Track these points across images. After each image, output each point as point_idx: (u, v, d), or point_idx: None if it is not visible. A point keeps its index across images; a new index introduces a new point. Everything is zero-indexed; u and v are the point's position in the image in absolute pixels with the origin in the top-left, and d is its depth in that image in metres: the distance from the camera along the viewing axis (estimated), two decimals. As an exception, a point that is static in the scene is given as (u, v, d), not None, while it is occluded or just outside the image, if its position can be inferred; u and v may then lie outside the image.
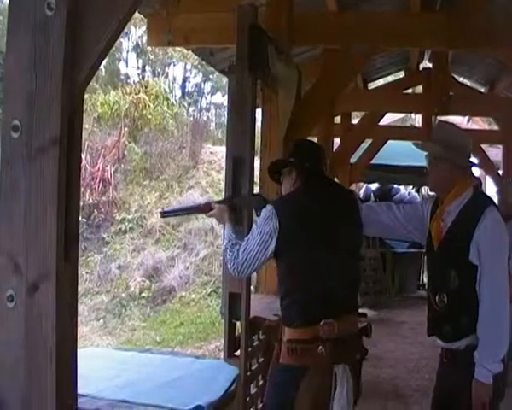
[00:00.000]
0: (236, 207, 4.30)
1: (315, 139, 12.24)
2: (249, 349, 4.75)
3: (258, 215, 4.07)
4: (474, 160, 4.93)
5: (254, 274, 5.67)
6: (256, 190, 5.32)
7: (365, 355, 4.06)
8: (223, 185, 5.48)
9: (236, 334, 4.66)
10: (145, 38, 6.99)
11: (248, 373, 4.69)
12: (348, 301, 3.91)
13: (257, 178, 5.73)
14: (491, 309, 3.74)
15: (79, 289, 11.69)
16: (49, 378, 2.04)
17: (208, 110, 37.98)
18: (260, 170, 6.08)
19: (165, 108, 22.85)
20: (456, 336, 3.93)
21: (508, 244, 4.01)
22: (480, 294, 3.78)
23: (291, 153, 4.10)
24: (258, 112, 5.90)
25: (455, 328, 3.93)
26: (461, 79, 13.37)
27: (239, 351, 4.61)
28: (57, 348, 2.05)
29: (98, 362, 3.76)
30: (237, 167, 4.52)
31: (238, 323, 4.64)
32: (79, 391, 2.28)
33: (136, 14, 7.54)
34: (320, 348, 3.62)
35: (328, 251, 3.77)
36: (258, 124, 6.03)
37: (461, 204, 3.95)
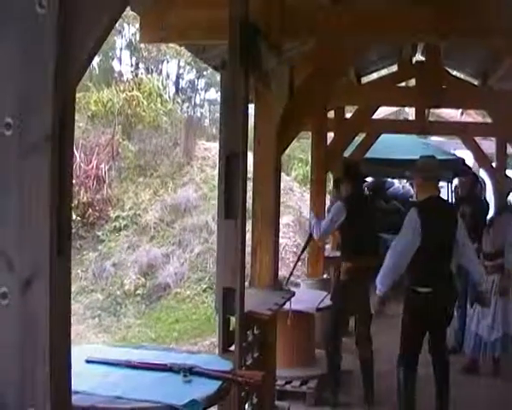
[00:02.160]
0: None
1: (309, 133, 12.31)
2: (244, 344, 4.77)
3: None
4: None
5: (248, 269, 5.71)
6: (249, 185, 5.33)
7: None
8: (217, 181, 5.51)
9: (231, 329, 4.68)
10: (138, 36, 7.00)
11: (243, 368, 4.71)
12: (371, 248, 7.64)
13: (250, 174, 5.75)
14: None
15: (74, 287, 11.68)
16: (43, 375, 2.04)
17: (202, 106, 38.07)
18: (254, 165, 6.10)
19: (159, 105, 22.87)
20: None
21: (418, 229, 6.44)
22: None
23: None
24: (251, 107, 5.92)
25: None
26: (454, 72, 13.40)
27: (233, 346, 4.64)
28: (51, 345, 2.05)
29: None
30: (230, 164, 4.54)
31: (232, 318, 4.66)
32: (74, 388, 2.29)
33: (130, 12, 7.55)
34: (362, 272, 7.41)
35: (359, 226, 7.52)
36: (252, 119, 6.04)
37: None
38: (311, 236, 8.80)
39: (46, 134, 2.04)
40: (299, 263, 11.01)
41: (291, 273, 9.74)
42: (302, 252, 9.98)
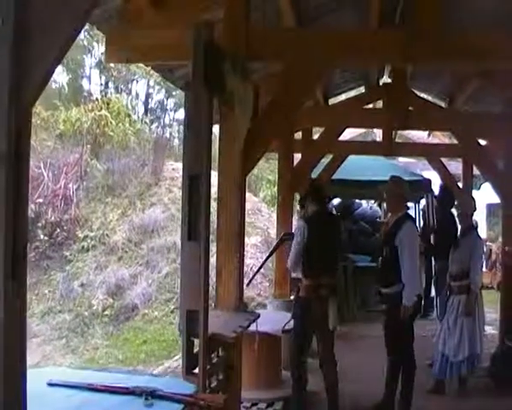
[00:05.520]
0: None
1: (275, 155, 12.32)
2: (208, 367, 4.73)
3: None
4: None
5: (213, 291, 5.68)
6: (214, 205, 5.32)
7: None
8: (183, 202, 5.48)
9: (195, 351, 4.64)
10: (104, 56, 6.98)
11: (207, 391, 4.67)
12: (331, 265, 7.77)
13: (215, 194, 5.73)
14: (409, 270, 7.51)
15: (42, 308, 11.58)
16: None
17: (171, 126, 38.00)
18: (218, 186, 6.08)
19: (127, 124, 22.86)
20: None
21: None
22: (402, 261, 7.54)
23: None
24: (217, 127, 5.91)
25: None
26: (421, 94, 13.50)
27: (197, 369, 4.60)
28: (5, 370, 2.03)
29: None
30: (193, 185, 4.51)
31: (197, 340, 4.62)
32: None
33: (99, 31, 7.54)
34: (321, 290, 7.44)
35: (321, 244, 7.56)
36: (217, 140, 6.04)
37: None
38: (281, 240, 9.47)
39: (0, 153, 2.01)
40: (267, 284, 11.15)
41: (253, 276, 11.26)
42: (270, 255, 10.55)
